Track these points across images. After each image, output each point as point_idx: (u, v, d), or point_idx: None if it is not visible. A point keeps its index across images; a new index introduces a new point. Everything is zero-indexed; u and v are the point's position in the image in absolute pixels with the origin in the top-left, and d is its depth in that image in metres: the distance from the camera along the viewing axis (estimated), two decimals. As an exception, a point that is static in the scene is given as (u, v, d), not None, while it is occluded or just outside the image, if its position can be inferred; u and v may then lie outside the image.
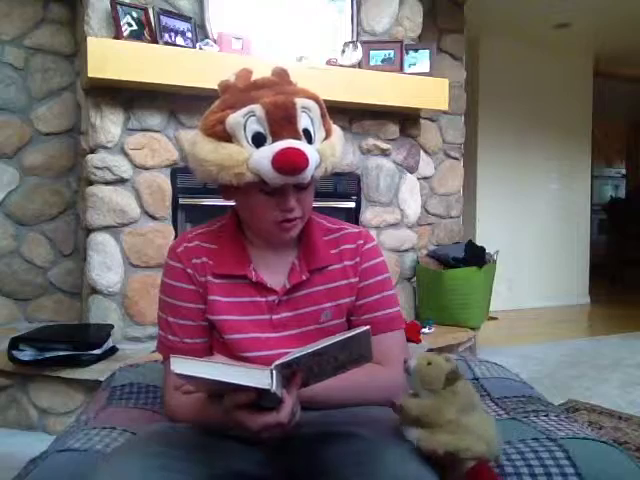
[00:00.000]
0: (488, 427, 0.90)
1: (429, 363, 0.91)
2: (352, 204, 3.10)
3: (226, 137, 0.98)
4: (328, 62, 2.90)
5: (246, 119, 0.96)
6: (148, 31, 2.54)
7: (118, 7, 2.45)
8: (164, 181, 2.68)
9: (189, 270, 1.07)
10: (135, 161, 2.61)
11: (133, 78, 2.44)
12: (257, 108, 0.96)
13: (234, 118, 0.97)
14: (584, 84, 5.45)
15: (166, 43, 2.53)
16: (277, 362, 0.82)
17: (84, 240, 2.68)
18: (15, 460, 1.81)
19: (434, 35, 3.79)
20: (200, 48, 2.59)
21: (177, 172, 2.70)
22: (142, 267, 2.64)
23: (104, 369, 2.21)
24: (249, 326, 1.06)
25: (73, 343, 2.31)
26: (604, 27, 4.70)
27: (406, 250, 3.27)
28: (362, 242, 1.12)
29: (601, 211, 7.22)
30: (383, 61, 3.01)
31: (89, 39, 2.38)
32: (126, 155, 2.60)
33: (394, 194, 3.21)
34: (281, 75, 1.06)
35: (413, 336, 2.75)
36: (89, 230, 2.59)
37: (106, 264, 2.57)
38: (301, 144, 0.96)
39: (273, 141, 0.96)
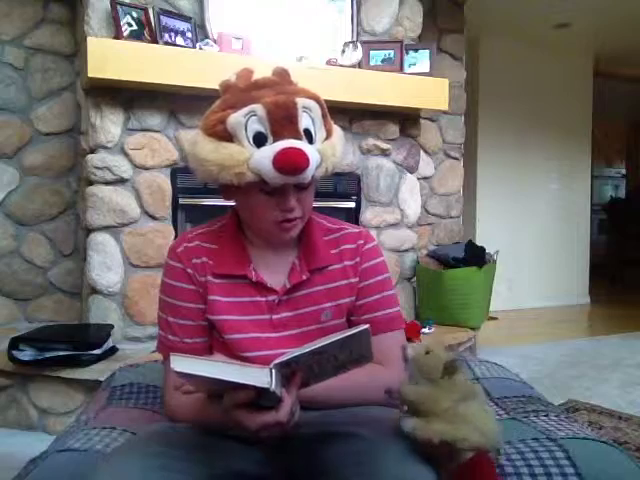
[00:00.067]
0: (487, 418, 0.89)
1: (427, 352, 0.91)
2: (352, 204, 3.10)
3: (227, 137, 0.98)
4: (328, 62, 2.90)
5: (247, 119, 0.96)
6: (148, 31, 2.54)
7: (118, 7, 2.45)
8: (164, 181, 2.68)
9: (189, 270, 1.07)
10: (135, 161, 2.61)
11: (133, 78, 2.45)
12: (258, 108, 0.96)
13: (235, 118, 0.97)
14: (584, 84, 5.45)
15: (166, 43, 2.53)
16: (276, 361, 0.82)
17: (84, 240, 2.68)
18: (15, 460, 1.81)
19: (434, 35, 3.79)
20: (200, 48, 2.59)
21: (177, 172, 2.70)
22: (142, 267, 2.64)
23: (104, 369, 2.21)
24: (249, 326, 1.06)
25: (73, 343, 2.31)
26: (604, 27, 4.70)
27: (406, 250, 3.27)
28: (362, 242, 1.12)
29: (601, 211, 7.22)
30: (383, 61, 3.01)
31: (89, 39, 2.38)
32: (126, 155, 2.60)
33: (394, 194, 3.21)
34: (282, 75, 1.06)
35: (413, 336, 2.75)
36: (89, 230, 2.59)
37: (106, 264, 2.57)
38: (302, 144, 0.96)
39: (274, 141, 0.96)
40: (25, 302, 2.97)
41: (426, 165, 3.72)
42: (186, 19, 2.63)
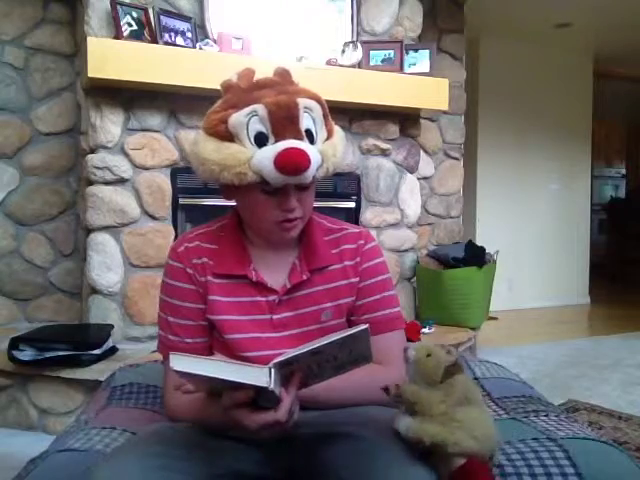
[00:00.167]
0: (483, 424, 0.89)
1: (428, 354, 0.90)
2: (352, 204, 3.10)
3: (228, 137, 0.98)
4: (328, 62, 2.90)
5: (248, 119, 0.96)
6: (148, 31, 2.54)
7: (118, 7, 2.45)
8: (164, 181, 2.68)
9: (189, 270, 1.07)
10: (135, 161, 2.61)
11: (133, 78, 2.44)
12: (260, 108, 0.96)
13: (236, 118, 0.97)
14: (584, 84, 5.45)
15: (166, 43, 2.53)
16: (276, 360, 0.82)
17: (84, 240, 2.68)
18: (15, 460, 1.81)
19: (434, 35, 3.79)
20: (200, 48, 2.59)
21: (177, 172, 2.70)
22: (142, 267, 2.64)
23: (104, 369, 2.21)
24: (249, 326, 1.06)
25: (73, 343, 2.31)
26: (604, 27, 4.70)
27: (406, 250, 3.27)
28: (363, 242, 1.12)
29: (601, 211, 7.22)
30: (383, 61, 3.01)
31: (89, 39, 2.38)
32: (126, 155, 2.60)
33: (394, 194, 3.21)
34: (283, 75, 1.06)
35: (413, 336, 2.75)
36: (89, 230, 2.59)
37: (106, 264, 2.57)
38: (303, 144, 0.96)
39: (275, 141, 0.96)
40: (25, 302, 2.97)
41: (426, 165, 3.72)
42: (186, 19, 2.63)
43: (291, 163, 0.94)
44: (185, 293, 1.07)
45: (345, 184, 3.06)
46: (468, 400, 0.90)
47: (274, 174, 0.94)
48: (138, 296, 2.62)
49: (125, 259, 2.61)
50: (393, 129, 3.16)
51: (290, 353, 0.84)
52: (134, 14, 2.51)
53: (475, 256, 3.21)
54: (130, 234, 2.62)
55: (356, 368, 0.91)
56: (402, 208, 3.23)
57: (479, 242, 3.54)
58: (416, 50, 3.11)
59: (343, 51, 2.93)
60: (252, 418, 0.85)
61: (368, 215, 3.13)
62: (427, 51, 3.10)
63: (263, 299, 1.06)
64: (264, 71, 1.08)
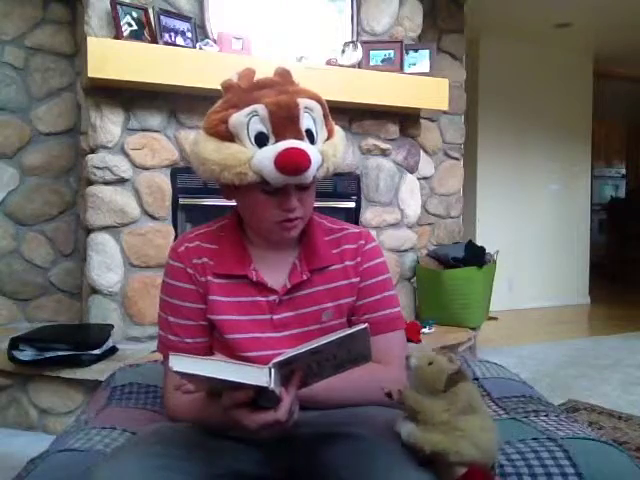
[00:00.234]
0: (485, 433, 0.88)
1: (430, 363, 0.89)
2: (352, 204, 3.10)
3: (229, 137, 0.98)
4: (328, 62, 2.90)
5: (249, 119, 0.96)
6: (148, 31, 2.54)
7: (118, 7, 2.45)
8: (164, 181, 2.68)
9: (190, 270, 1.07)
10: (135, 161, 2.61)
11: (133, 78, 2.44)
12: (260, 108, 0.96)
13: (237, 118, 0.97)
14: (584, 84, 5.46)
15: (166, 43, 2.53)
16: (275, 360, 0.82)
17: (84, 240, 2.68)
18: (15, 460, 1.81)
19: (434, 35, 3.79)
20: (200, 48, 2.59)
21: (177, 172, 2.70)
22: (142, 267, 2.64)
23: (104, 369, 2.21)
24: (250, 326, 1.06)
25: (73, 343, 2.31)
26: (604, 27, 4.70)
27: (406, 250, 3.27)
28: (363, 242, 1.12)
29: (601, 211, 7.23)
30: (383, 61, 3.01)
31: (89, 39, 2.38)
32: (126, 155, 2.60)
33: (394, 194, 3.21)
34: (284, 75, 1.06)
35: (413, 336, 2.76)
36: (89, 230, 2.59)
37: (106, 264, 2.57)
38: (303, 144, 0.96)
39: (276, 141, 0.96)
40: (25, 302, 2.97)
41: (426, 165, 3.72)
42: (186, 19, 2.63)
43: (291, 163, 0.94)
44: (185, 293, 1.07)
45: (345, 184, 3.06)
46: (472, 408, 0.88)
47: (274, 174, 0.94)
48: (138, 296, 2.62)
49: (125, 259, 2.61)
50: (393, 129, 3.16)
51: (290, 353, 0.84)
52: (134, 14, 2.51)
53: (475, 256, 3.22)
54: (130, 234, 2.62)
55: (355, 367, 0.91)
56: (402, 208, 3.23)
57: (479, 242, 3.55)
58: (416, 50, 3.11)
59: (343, 51, 2.93)
60: (252, 418, 0.85)
61: (368, 215, 3.13)
62: (427, 51, 3.10)
63: (263, 299, 1.06)
64: (264, 71, 1.08)
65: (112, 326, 2.52)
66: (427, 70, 3.08)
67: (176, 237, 2.65)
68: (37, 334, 2.43)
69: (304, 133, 0.98)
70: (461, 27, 3.94)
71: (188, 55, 2.55)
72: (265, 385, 0.80)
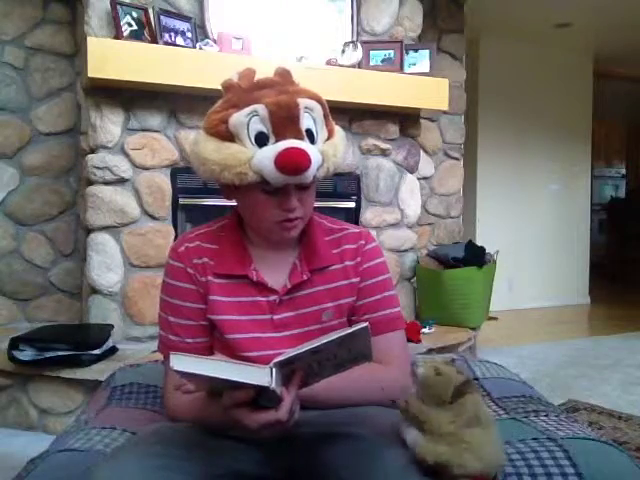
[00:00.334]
0: (491, 446, 0.87)
1: (438, 374, 0.88)
2: (352, 204, 3.10)
3: (229, 136, 0.98)
4: (328, 62, 2.90)
5: (249, 119, 0.97)
6: (148, 31, 2.54)
7: (118, 7, 2.45)
8: (164, 181, 2.68)
9: (190, 270, 1.07)
10: (135, 161, 2.61)
11: (133, 78, 2.44)
12: (260, 108, 0.96)
13: (237, 118, 0.97)
14: (584, 84, 5.46)
15: (166, 43, 2.53)
16: (277, 360, 0.82)
17: (84, 240, 2.68)
18: (15, 460, 1.81)
19: (434, 35, 3.79)
20: (200, 48, 2.59)
21: (177, 172, 2.70)
22: (142, 267, 2.64)
23: (104, 369, 2.21)
24: (250, 326, 1.06)
25: (73, 343, 2.31)
26: (604, 27, 4.70)
27: (406, 250, 3.27)
28: (363, 242, 1.12)
29: (601, 211, 7.23)
30: (383, 61, 3.01)
31: (89, 39, 2.38)
32: (126, 155, 2.60)
33: (394, 194, 3.21)
34: (284, 75, 1.06)
35: (413, 336, 2.76)
36: (89, 230, 2.59)
37: (106, 264, 2.57)
38: (304, 144, 0.96)
39: (276, 141, 0.96)
40: (25, 302, 2.97)
41: (426, 165, 3.72)
42: (186, 19, 2.63)
43: (291, 163, 0.94)
44: (186, 293, 1.07)
45: (345, 184, 3.06)
46: (478, 420, 0.87)
47: (274, 174, 0.95)
48: (138, 296, 2.62)
49: (125, 259, 2.61)
50: (393, 129, 3.16)
51: (291, 352, 0.84)
52: (134, 14, 2.51)
53: (475, 256, 3.22)
54: (130, 234, 2.62)
55: (356, 366, 0.91)
56: (402, 208, 3.23)
57: (479, 242, 3.55)
58: (416, 50, 3.11)
59: (343, 51, 2.93)
60: (253, 418, 0.85)
61: (368, 215, 3.13)
62: (427, 51, 3.10)
63: (264, 299, 1.06)
64: (264, 71, 1.08)
65: (112, 326, 2.52)
66: (427, 70, 3.08)
67: (176, 237, 2.65)
68: (37, 334, 2.43)
69: (304, 133, 0.98)
70: (461, 27, 3.94)
71: (188, 55, 2.55)
72: (266, 385, 0.80)
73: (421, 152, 3.39)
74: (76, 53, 2.95)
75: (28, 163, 2.93)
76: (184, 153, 2.66)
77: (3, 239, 2.90)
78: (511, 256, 4.55)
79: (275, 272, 1.08)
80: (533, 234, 5.18)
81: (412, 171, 3.28)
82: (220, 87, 1.06)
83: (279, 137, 0.96)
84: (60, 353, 2.27)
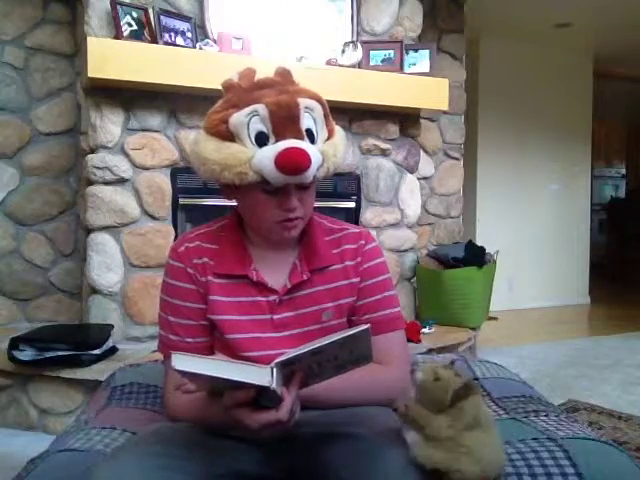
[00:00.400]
0: (491, 449, 0.87)
1: (436, 379, 0.87)
2: (352, 204, 3.09)
3: (229, 136, 0.98)
4: (328, 62, 2.90)
5: (249, 118, 0.97)
6: (148, 31, 2.54)
7: (118, 7, 2.45)
8: (164, 181, 2.68)
9: (190, 270, 1.07)
10: (135, 161, 2.61)
11: (133, 78, 2.44)
12: (260, 108, 0.96)
13: (237, 117, 0.97)
14: (584, 84, 5.46)
15: (166, 43, 2.53)
16: (278, 360, 0.82)
17: (84, 240, 2.68)
18: (15, 460, 1.81)
19: (434, 35, 3.79)
20: (200, 48, 2.59)
21: (177, 172, 2.70)
22: (142, 267, 2.64)
23: (104, 369, 2.21)
24: (250, 326, 1.06)
25: (73, 343, 2.31)
26: (604, 27, 4.70)
27: (406, 250, 3.27)
28: (363, 242, 1.12)
29: (601, 211, 7.22)
30: (383, 61, 3.01)
31: (89, 39, 2.38)
32: (126, 155, 2.60)
33: (394, 194, 3.21)
34: (284, 75, 1.06)
35: (413, 336, 2.76)
36: (89, 230, 2.59)
37: (106, 264, 2.57)
38: (304, 144, 0.97)
39: (276, 141, 0.96)
40: (25, 302, 2.97)
41: (426, 165, 3.72)
42: (186, 19, 2.63)
43: (292, 163, 0.94)
44: (186, 293, 1.07)
45: (345, 184, 3.06)
46: (478, 423, 0.87)
47: (275, 174, 0.95)
48: (138, 296, 2.62)
49: (125, 259, 2.61)
50: (393, 129, 3.16)
51: (292, 353, 0.84)
52: (134, 14, 2.51)
53: (475, 256, 3.22)
54: (130, 234, 2.62)
55: (356, 368, 0.91)
56: (402, 208, 3.23)
57: (479, 242, 3.55)
58: (416, 50, 3.11)
59: (343, 51, 2.93)
60: (254, 418, 0.85)
61: (368, 215, 3.13)
62: (427, 51, 3.10)
63: (263, 299, 1.06)
64: (264, 71, 1.08)
65: (112, 326, 2.52)
66: (427, 70, 3.08)
67: (176, 237, 2.65)
68: (37, 334, 2.43)
69: (304, 133, 0.98)
70: (461, 27, 3.94)
71: (188, 55, 2.55)
72: (267, 385, 0.80)
73: (421, 152, 3.39)
74: (76, 53, 2.95)
75: (28, 163, 2.93)
76: (184, 153, 2.66)
77: (3, 239, 2.90)
78: (511, 256, 4.55)
79: (275, 272, 1.08)
80: (533, 234, 5.18)
81: (412, 171, 3.28)
82: (220, 87, 1.06)
83: (279, 137, 0.96)
84: (60, 353, 2.27)
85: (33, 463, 1.04)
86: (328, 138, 1.05)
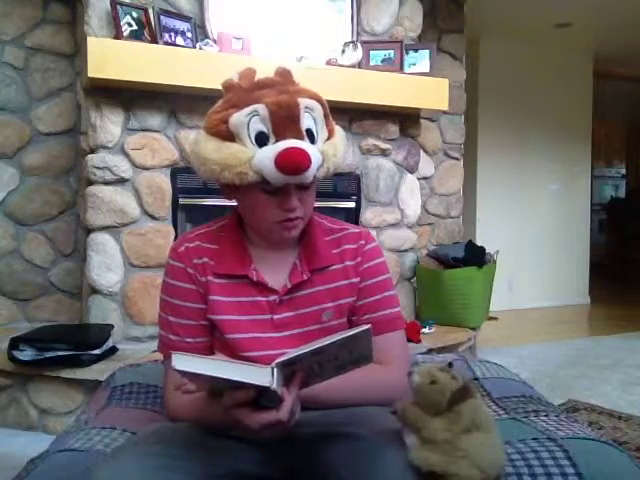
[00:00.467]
0: (489, 451, 0.86)
1: (433, 382, 0.87)
2: (352, 204, 3.09)
3: (229, 136, 0.98)
4: (328, 62, 2.90)
5: (249, 118, 0.97)
6: (148, 31, 2.54)
7: (118, 7, 2.45)
8: (164, 181, 2.68)
9: (190, 270, 1.07)
10: (135, 161, 2.61)
11: (133, 78, 2.44)
12: (260, 108, 0.96)
13: (237, 117, 0.97)
14: (584, 84, 5.46)
15: (166, 43, 2.53)
16: (278, 360, 0.82)
17: (84, 240, 2.68)
18: (15, 460, 1.81)
19: (434, 35, 3.79)
20: (200, 48, 2.59)
21: (177, 172, 2.70)
22: (142, 267, 2.64)
23: (104, 369, 2.21)
24: (250, 326, 1.06)
25: (73, 343, 2.31)
26: (604, 27, 4.70)
27: (406, 250, 3.27)
28: (363, 242, 1.12)
29: (601, 211, 7.22)
30: (383, 61, 3.01)
31: (89, 39, 2.38)
32: (126, 155, 2.60)
33: (394, 194, 3.21)
34: (284, 75, 1.06)
35: (413, 336, 2.75)
36: (89, 230, 2.59)
37: (106, 264, 2.57)
38: (304, 144, 0.97)
39: (276, 141, 0.96)
40: (25, 302, 2.97)
41: (426, 165, 3.72)
42: (186, 19, 2.63)
43: (292, 163, 0.94)
44: (186, 293, 1.07)
45: (345, 184, 3.06)
46: (476, 426, 0.86)
47: (275, 174, 0.95)
48: (138, 296, 2.62)
49: (125, 259, 2.61)
50: (393, 129, 3.16)
51: (292, 353, 0.84)
52: (134, 14, 2.51)
53: (475, 256, 3.22)
54: (130, 234, 2.62)
55: (357, 368, 0.91)
56: (402, 208, 3.23)
57: (479, 242, 3.55)
58: (416, 50, 3.11)
59: (343, 51, 2.93)
60: (254, 418, 0.85)
61: (368, 215, 3.13)
62: (427, 51, 3.10)
63: (264, 299, 1.06)
64: (264, 71, 1.08)
65: (112, 326, 2.52)
66: (427, 70, 3.08)
67: (176, 237, 2.65)
68: (37, 334, 2.43)
69: (304, 133, 0.98)
70: (461, 27, 3.94)
71: (188, 55, 2.55)
72: (267, 385, 0.80)
73: (421, 152, 3.39)
74: (76, 53, 2.95)
75: (28, 163, 2.93)
76: (184, 153, 2.66)
77: (3, 239, 2.90)
78: (511, 256, 4.55)
79: (275, 272, 1.08)
80: (533, 234, 5.18)
81: (412, 171, 3.28)
82: (220, 87, 1.06)
83: (279, 137, 0.96)
84: (60, 353, 2.27)
85: (33, 463, 1.04)
86: (328, 138, 1.05)
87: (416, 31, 3.26)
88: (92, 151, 2.57)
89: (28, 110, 2.92)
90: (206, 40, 2.64)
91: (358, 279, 1.10)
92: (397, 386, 1.04)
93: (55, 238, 2.98)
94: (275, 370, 0.81)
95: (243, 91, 1.01)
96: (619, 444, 1.34)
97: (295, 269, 1.08)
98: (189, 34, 2.61)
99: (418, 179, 3.35)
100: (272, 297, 1.06)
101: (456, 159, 3.94)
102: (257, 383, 0.80)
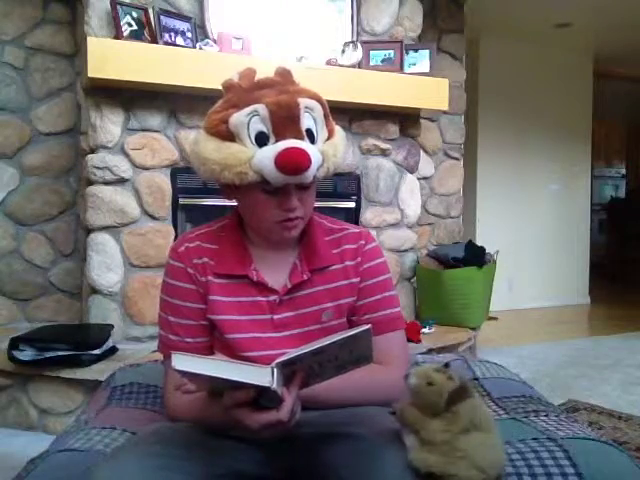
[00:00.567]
0: (488, 451, 0.86)
1: (429, 383, 0.87)
2: (352, 204, 3.09)
3: (229, 136, 0.98)
4: (328, 62, 2.90)
5: (249, 118, 0.97)
6: (148, 31, 2.54)
7: (118, 7, 2.45)
8: (164, 181, 2.68)
9: (190, 270, 1.07)
10: (135, 161, 2.61)
11: (133, 78, 2.44)
12: (260, 108, 0.96)
13: (237, 117, 0.97)
14: (584, 84, 5.46)
15: (166, 43, 2.53)
16: (278, 360, 0.82)
17: (84, 240, 2.68)
18: (15, 460, 1.81)
19: (434, 35, 3.79)
20: (200, 48, 2.59)
21: (177, 172, 2.70)
22: (142, 267, 2.64)
23: (104, 369, 2.21)
24: (250, 326, 1.06)
25: (73, 343, 2.31)
26: (604, 27, 4.70)
27: (406, 250, 3.27)
28: (363, 242, 1.12)
29: (601, 211, 7.23)
30: (383, 61, 3.01)
31: (89, 39, 2.38)
32: (126, 155, 2.60)
33: (394, 194, 3.21)
34: (284, 75, 1.06)
35: (413, 336, 2.75)
36: (89, 230, 2.59)
37: (106, 264, 2.57)
38: (304, 144, 0.97)
39: (276, 141, 0.96)
40: (25, 302, 2.97)
41: (426, 165, 3.72)
42: (186, 19, 2.63)
43: (292, 163, 0.94)
44: (186, 293, 1.07)
45: (345, 184, 3.06)
46: (474, 426, 0.86)
47: (275, 174, 0.95)
48: (138, 296, 2.62)
49: (125, 259, 2.61)
50: (393, 129, 3.16)
51: (292, 353, 0.84)
52: (134, 14, 2.51)
53: (475, 256, 3.22)
54: (130, 234, 2.62)
55: (357, 368, 0.91)
56: (402, 208, 3.23)
57: (479, 242, 3.55)
58: (416, 50, 3.11)
59: (343, 51, 2.93)
60: (254, 418, 0.85)
61: (368, 215, 3.13)
62: (427, 51, 3.10)
63: (264, 299, 1.06)
64: (264, 71, 1.08)
65: (112, 326, 2.52)
66: (427, 70, 3.08)
67: (176, 237, 2.65)
68: (37, 334, 2.43)
69: (304, 133, 0.98)
70: (461, 27, 3.94)
71: (188, 55, 2.55)
72: (267, 385, 0.80)
73: (421, 152, 3.39)
74: (76, 53, 2.95)
75: (28, 163, 2.93)
76: (184, 153, 2.66)
77: (3, 239, 2.90)
78: (511, 256, 4.55)
79: (275, 272, 1.08)
80: (533, 234, 5.18)
81: (412, 171, 3.28)
82: (220, 87, 1.06)
83: (279, 137, 0.96)
84: (60, 353, 2.27)
85: (33, 463, 1.04)
86: (328, 138, 1.05)
87: (416, 31, 3.26)
88: (92, 151, 2.57)
89: (28, 110, 2.92)
90: (206, 40, 2.64)
91: (358, 279, 1.10)
92: (397, 386, 1.03)
93: (55, 238, 2.98)
94: (275, 370, 0.81)
95: (243, 91, 1.01)
96: (619, 444, 1.34)
97: (295, 269, 1.08)
98: (189, 34, 2.61)
99: (418, 179, 3.35)
100: (272, 297, 1.06)
101: (456, 159, 3.94)
102: (257, 383, 0.80)
